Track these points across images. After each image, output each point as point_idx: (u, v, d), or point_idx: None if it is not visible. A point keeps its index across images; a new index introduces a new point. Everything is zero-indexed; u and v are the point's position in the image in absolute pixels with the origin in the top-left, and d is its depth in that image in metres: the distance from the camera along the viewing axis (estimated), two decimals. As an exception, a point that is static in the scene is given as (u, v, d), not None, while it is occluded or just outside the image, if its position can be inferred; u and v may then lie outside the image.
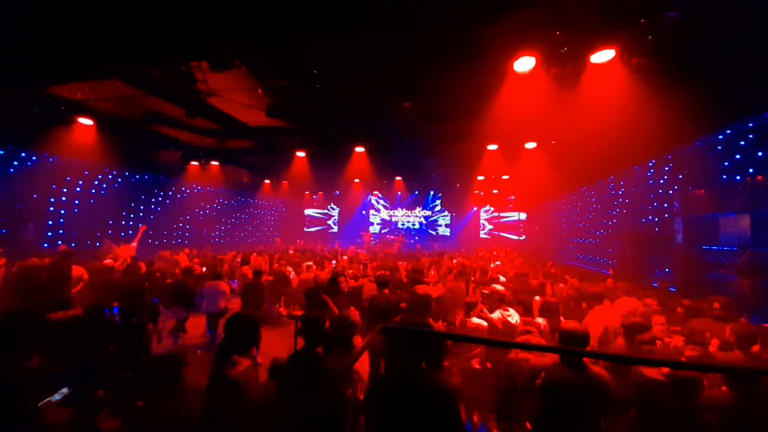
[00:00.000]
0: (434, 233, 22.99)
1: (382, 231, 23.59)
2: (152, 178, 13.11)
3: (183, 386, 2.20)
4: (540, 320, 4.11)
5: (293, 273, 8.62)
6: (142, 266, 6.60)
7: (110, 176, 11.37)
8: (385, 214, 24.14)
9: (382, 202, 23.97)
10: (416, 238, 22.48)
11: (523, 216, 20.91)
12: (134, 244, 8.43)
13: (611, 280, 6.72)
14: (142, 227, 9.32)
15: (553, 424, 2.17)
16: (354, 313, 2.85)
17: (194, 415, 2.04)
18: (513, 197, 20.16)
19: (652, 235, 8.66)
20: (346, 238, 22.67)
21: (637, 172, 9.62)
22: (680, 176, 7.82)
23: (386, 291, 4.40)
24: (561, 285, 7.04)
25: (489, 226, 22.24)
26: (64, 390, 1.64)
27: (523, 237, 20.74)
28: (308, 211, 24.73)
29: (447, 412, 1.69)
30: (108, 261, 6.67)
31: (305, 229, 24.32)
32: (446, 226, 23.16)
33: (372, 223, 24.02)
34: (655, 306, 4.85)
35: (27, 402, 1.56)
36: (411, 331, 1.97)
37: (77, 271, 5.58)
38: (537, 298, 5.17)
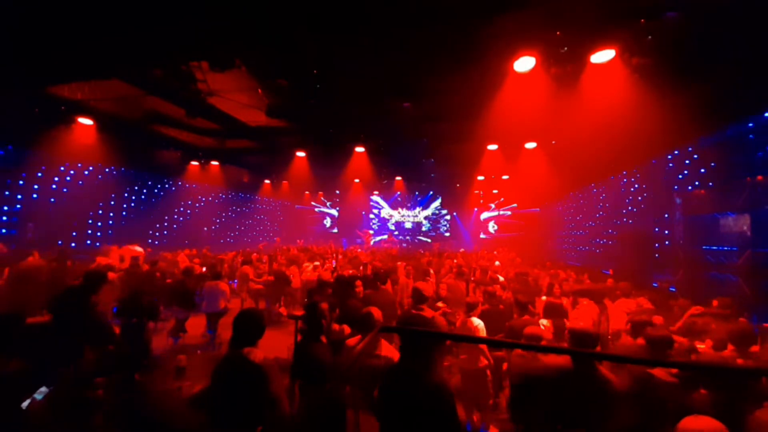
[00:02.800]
0: (433, 233, 23.00)
1: (382, 231, 23.59)
2: (152, 178, 13.11)
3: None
4: (544, 321, 4.11)
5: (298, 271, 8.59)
6: (143, 266, 6.60)
7: (110, 176, 11.37)
8: (385, 213, 24.12)
9: (382, 202, 23.97)
10: (398, 234, 22.62)
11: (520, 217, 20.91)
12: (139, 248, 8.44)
13: (611, 280, 6.72)
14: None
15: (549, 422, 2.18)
16: (377, 312, 2.90)
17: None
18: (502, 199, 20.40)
19: (652, 235, 8.66)
20: (346, 238, 22.67)
21: (637, 172, 9.62)
22: (680, 176, 7.82)
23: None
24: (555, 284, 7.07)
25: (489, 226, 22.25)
26: (44, 389, 1.63)
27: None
28: (316, 209, 24.69)
29: (443, 409, 1.70)
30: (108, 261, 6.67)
31: (329, 231, 24.30)
32: (445, 226, 23.17)
33: (372, 224, 24.01)
34: (647, 305, 4.84)
35: (11, 402, 1.56)
36: (409, 331, 1.99)
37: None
38: (544, 298, 5.18)
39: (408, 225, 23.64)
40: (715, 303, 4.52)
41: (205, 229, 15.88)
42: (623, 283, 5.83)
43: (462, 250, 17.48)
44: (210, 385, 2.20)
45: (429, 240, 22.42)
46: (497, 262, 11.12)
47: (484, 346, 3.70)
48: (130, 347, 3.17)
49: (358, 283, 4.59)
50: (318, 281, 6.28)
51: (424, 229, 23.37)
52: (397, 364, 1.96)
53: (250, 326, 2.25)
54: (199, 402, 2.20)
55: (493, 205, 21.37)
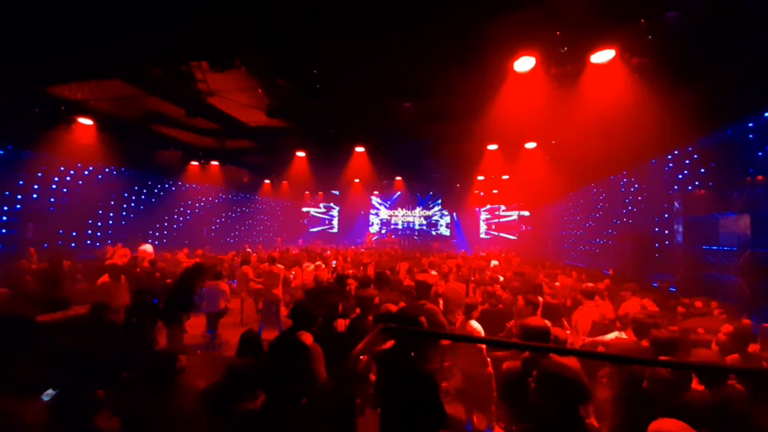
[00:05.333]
0: (433, 234, 23.00)
1: (382, 231, 23.58)
2: (152, 178, 13.11)
3: (179, 385, 2.25)
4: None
5: (293, 272, 8.60)
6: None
7: (110, 176, 11.37)
8: (385, 214, 24.11)
9: (382, 202, 23.96)
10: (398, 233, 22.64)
11: (520, 214, 20.89)
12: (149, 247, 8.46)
13: (608, 280, 6.71)
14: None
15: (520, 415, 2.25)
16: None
17: (191, 415, 2.09)
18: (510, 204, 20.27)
19: (652, 235, 8.66)
20: (347, 238, 22.67)
21: (637, 172, 9.62)
22: (680, 176, 7.83)
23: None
24: (556, 284, 7.08)
25: (486, 226, 22.25)
26: (50, 391, 1.62)
27: (515, 237, 20.82)
28: (310, 211, 24.69)
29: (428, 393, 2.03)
30: (110, 261, 6.66)
31: (310, 230, 24.30)
32: (446, 226, 23.17)
33: (372, 224, 24.01)
34: (652, 307, 4.84)
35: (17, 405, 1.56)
36: (409, 330, 2.03)
37: (104, 278, 5.46)
38: (540, 299, 5.17)
39: (408, 225, 23.64)
40: (698, 304, 4.55)
41: (205, 229, 15.88)
42: (629, 284, 5.83)
43: (463, 250, 17.48)
44: (267, 359, 2.64)
45: (428, 241, 22.42)
46: (496, 262, 11.13)
47: (484, 351, 3.69)
48: (130, 347, 3.17)
49: (350, 281, 4.58)
50: (315, 281, 6.29)
51: (419, 224, 23.36)
52: (392, 350, 2.28)
53: (304, 315, 2.80)
54: (209, 397, 2.24)
55: (501, 205, 21.33)
